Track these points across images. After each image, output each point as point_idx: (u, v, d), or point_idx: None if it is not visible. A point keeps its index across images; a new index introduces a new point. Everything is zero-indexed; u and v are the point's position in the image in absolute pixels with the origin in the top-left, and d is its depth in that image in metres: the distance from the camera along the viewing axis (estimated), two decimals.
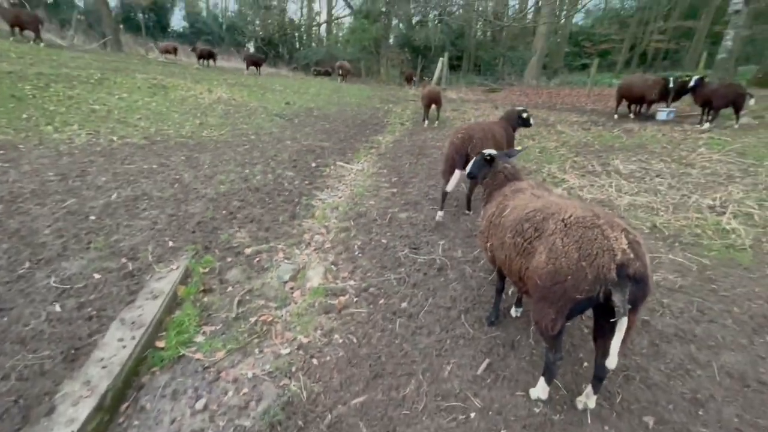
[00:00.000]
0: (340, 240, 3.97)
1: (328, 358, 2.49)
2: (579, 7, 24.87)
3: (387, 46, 29.68)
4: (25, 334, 2.32)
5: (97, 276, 2.89)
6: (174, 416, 2.07)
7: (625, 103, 10.06)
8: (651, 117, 9.69)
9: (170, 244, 3.43)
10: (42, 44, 11.41)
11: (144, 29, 33.62)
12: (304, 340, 2.64)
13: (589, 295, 1.64)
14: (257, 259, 3.52)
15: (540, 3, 20.99)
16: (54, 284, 2.74)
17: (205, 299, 2.95)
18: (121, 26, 23.82)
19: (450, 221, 4.38)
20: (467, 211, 4.58)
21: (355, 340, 2.63)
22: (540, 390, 2.04)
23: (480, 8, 26.60)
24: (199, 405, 2.13)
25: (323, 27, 40.86)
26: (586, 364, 2.35)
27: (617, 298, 1.58)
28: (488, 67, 28.53)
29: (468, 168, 2.96)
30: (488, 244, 2.39)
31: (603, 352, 1.76)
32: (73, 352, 2.24)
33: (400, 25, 31.95)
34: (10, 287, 2.67)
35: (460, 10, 26.27)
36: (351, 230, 4.16)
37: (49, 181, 4.13)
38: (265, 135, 7.35)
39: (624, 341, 1.62)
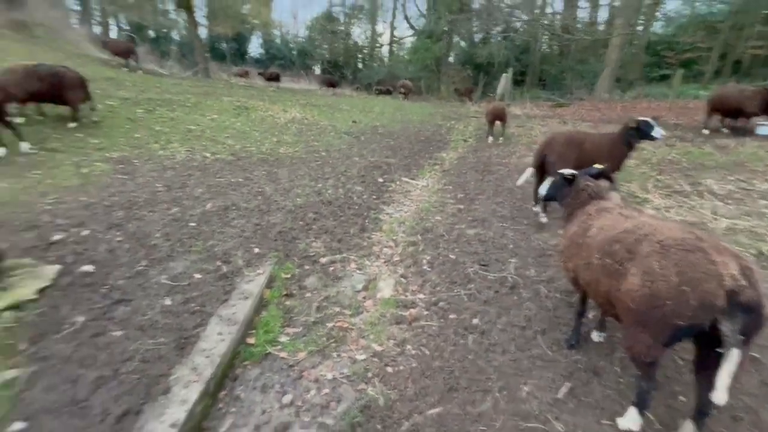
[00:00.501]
0: (408, 254, 4.07)
1: (401, 367, 2.56)
2: (658, 15, 23.20)
3: (448, 64, 29.93)
4: (144, 322, 2.69)
5: (197, 276, 3.27)
6: (264, 408, 2.27)
7: (717, 116, 9.12)
8: (749, 132, 8.67)
9: (256, 250, 3.77)
10: (139, 71, 13.34)
11: (228, 57, 37.29)
12: (378, 349, 2.74)
13: (691, 322, 1.55)
14: (332, 268, 3.74)
15: (613, 14, 19.91)
16: (164, 281, 3.15)
17: (287, 303, 3.19)
18: (208, 55, 26.79)
19: (520, 240, 4.29)
20: (535, 208, 4.48)
21: (427, 353, 2.68)
22: (630, 420, 1.93)
23: (546, 22, 25.89)
24: (286, 400, 2.32)
25: (385, 48, 42.28)
26: (682, 398, 2.17)
27: (726, 328, 1.47)
28: (554, 81, 27.49)
29: (544, 190, 2.92)
30: (570, 265, 2.34)
31: (707, 385, 1.63)
32: (182, 341, 2.56)
33: (461, 43, 32.11)
34: (131, 282, 3.11)
35: (525, 26, 25.79)
36: (419, 245, 4.24)
37: (158, 191, 4.76)
38: (334, 152, 7.78)
39: (733, 376, 1.50)
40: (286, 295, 3.28)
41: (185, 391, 2.16)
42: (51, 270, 3.06)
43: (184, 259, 3.48)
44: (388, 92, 27.03)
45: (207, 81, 14.76)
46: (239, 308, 2.91)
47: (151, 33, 34.68)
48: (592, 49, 27.89)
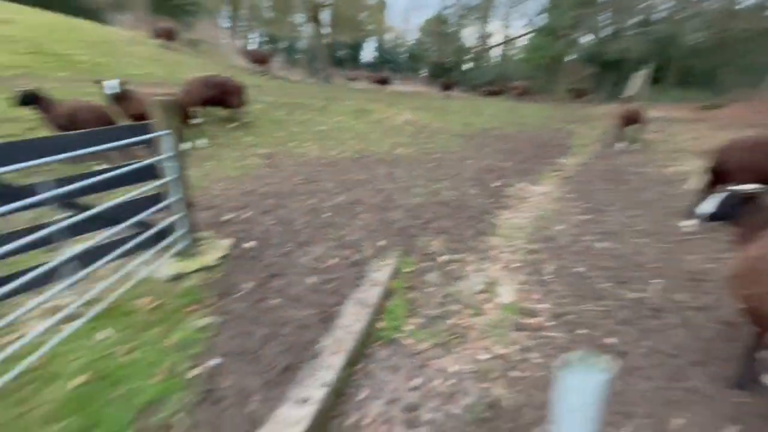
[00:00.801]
0: (528, 261, 3.96)
1: (527, 374, 2.54)
2: None
3: (565, 63, 27.54)
4: (294, 295, 3.16)
5: (332, 261, 3.69)
6: (394, 386, 2.48)
7: None
8: None
9: (381, 243, 4.08)
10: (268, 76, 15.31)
11: (345, 62, 40.22)
12: (501, 351, 2.76)
13: None
14: (450, 267, 3.84)
15: None
16: (308, 262, 3.63)
17: (410, 295, 3.40)
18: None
19: (664, 259, 3.82)
20: (685, 224, 3.91)
21: (555, 365, 2.60)
22: None
23: (697, 9, 21.96)
24: (414, 383, 2.50)
25: (496, 48, 40.77)
26: None
27: None
28: (704, 78, 23.20)
29: (710, 207, 2.56)
30: (746, 293, 2.04)
31: None
32: (324, 315, 2.94)
33: (584, 39, 29.20)
34: (282, 260, 3.66)
35: (672, 14, 22.26)
36: (540, 253, 4.09)
37: (297, 184, 5.45)
38: (448, 154, 7.88)
39: None
40: (409, 287, 3.49)
41: (331, 358, 2.49)
42: (226, 243, 3.78)
43: (322, 245, 3.95)
44: (498, 93, 26.12)
45: (329, 86, 16.22)
46: (370, 294, 3.21)
47: (282, 44, 39.15)
48: (762, 39, 22.76)
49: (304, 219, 4.46)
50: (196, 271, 3.31)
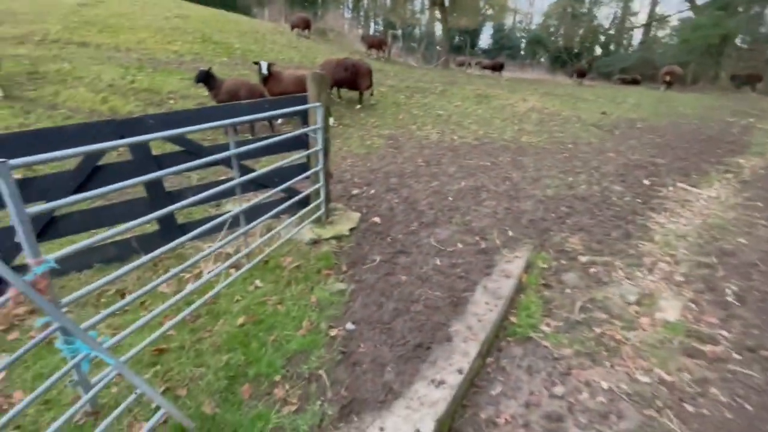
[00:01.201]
0: (698, 276, 3.25)
1: (706, 411, 2.06)
2: None
3: (733, 45, 22.26)
4: (421, 274, 3.10)
5: (459, 245, 3.53)
6: (531, 389, 2.24)
7: None
8: None
9: (510, 233, 3.78)
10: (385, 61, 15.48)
11: (463, 48, 39.20)
12: (667, 377, 2.29)
13: None
14: (592, 269, 3.36)
15: None
16: (433, 243, 3.54)
17: (546, 293, 3.06)
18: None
19: None
20: None
21: (750, 409, 2.05)
22: None
23: None
24: (557, 391, 2.21)
25: (637, 31, 35.18)
26: None
27: None
28: None
29: None
30: None
31: None
32: (454, 299, 2.81)
33: None
34: (407, 238, 3.63)
35: None
36: (716, 269, 3.32)
37: (420, 166, 5.40)
38: (583, 145, 7.01)
39: None
40: (544, 284, 3.15)
41: (465, 345, 2.35)
42: (355, 216, 3.90)
43: (446, 228, 3.81)
44: (635, 82, 22.55)
45: (448, 72, 15.88)
46: (502, 285, 2.97)
47: (400, 31, 39.66)
48: None
49: (427, 200, 4.38)
50: (331, 238, 3.48)
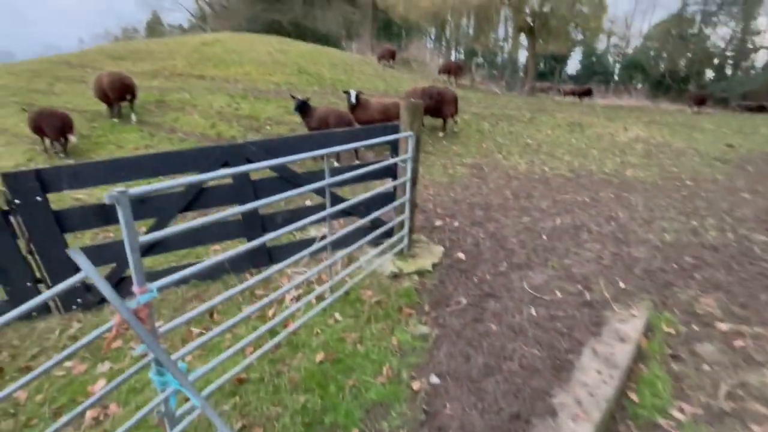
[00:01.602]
0: None
1: None
2: None
3: None
4: (514, 324, 2.73)
5: (558, 294, 3.08)
6: None
7: None
8: None
9: (621, 285, 3.22)
10: (470, 89, 15.18)
11: (546, 75, 37.66)
12: None
13: None
14: (738, 342, 2.67)
15: None
16: (527, 289, 3.14)
17: (675, 367, 2.48)
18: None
19: None
20: None
21: None
22: None
23: None
24: None
25: (763, 51, 30.59)
26: None
27: None
28: None
29: None
30: None
31: None
32: (556, 361, 2.39)
33: None
34: (496, 280, 3.29)
35: None
36: None
37: (508, 198, 5.02)
38: (705, 182, 5.99)
39: None
40: (672, 356, 2.56)
41: (574, 426, 1.94)
42: (438, 250, 3.66)
43: (541, 272, 3.39)
44: (762, 109, 19.35)
45: (535, 98, 15.18)
46: (616, 350, 2.48)
47: (481, 58, 39.42)
48: None
49: (518, 238, 3.98)
50: (413, 273, 3.28)
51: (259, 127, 7.80)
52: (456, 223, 4.30)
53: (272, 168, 3.09)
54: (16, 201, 2.55)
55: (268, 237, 1.94)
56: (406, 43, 34.13)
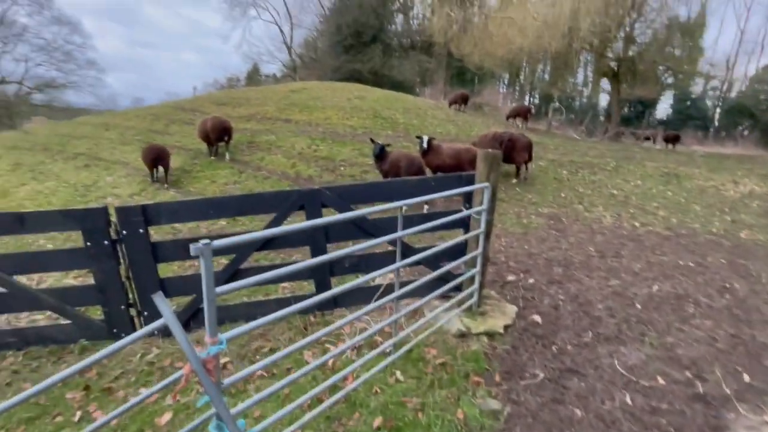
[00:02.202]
0: None
1: None
2: None
3: None
4: (604, 413, 2.31)
5: (660, 380, 2.59)
6: None
7: None
8: None
9: (745, 378, 2.62)
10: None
11: (630, 120, 35.29)
12: None
13: None
14: None
15: None
16: (619, 368, 2.69)
17: None
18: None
19: None
20: None
21: None
22: None
23: None
24: None
25: None
26: None
27: None
28: None
29: None
30: None
31: None
32: None
33: None
34: (579, 352, 2.88)
35: None
36: None
37: (591, 255, 4.53)
38: None
39: None
40: None
41: None
42: (510, 310, 3.35)
43: (637, 350, 2.90)
44: None
45: (619, 144, 14.13)
46: None
47: (557, 102, 38.23)
48: None
49: (605, 304, 3.51)
50: (482, 333, 3.01)
51: (335, 168, 8.21)
52: (531, 280, 3.95)
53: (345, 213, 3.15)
54: (124, 231, 2.86)
55: (338, 290, 1.91)
56: (479, 88, 34.60)
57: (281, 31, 37.08)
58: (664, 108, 40.36)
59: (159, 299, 1.28)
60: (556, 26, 13.67)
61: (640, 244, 4.94)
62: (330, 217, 1.87)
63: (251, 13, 35.89)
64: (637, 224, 5.67)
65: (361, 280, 2.08)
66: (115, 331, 3.03)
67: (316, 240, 3.09)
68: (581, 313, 3.36)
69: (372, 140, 6.89)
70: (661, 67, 22.62)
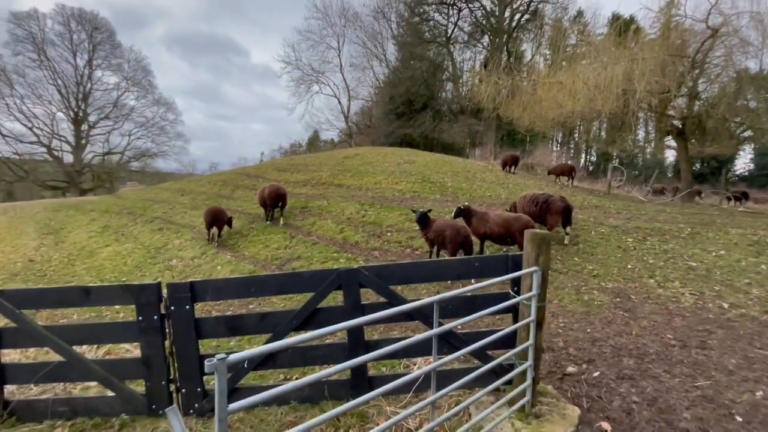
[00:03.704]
0: None
1: None
2: None
3: None
4: None
5: None
6: None
7: None
8: None
9: None
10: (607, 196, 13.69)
11: (704, 177, 32.55)
12: None
13: None
14: None
15: None
16: None
17: None
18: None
19: None
20: None
21: None
22: None
23: None
24: None
25: None
26: None
27: None
28: None
29: None
30: None
31: None
32: None
33: None
34: None
35: None
36: None
37: (670, 345, 3.90)
38: None
39: None
40: None
41: None
42: (573, 413, 2.88)
43: None
44: None
45: (694, 207, 12.85)
46: None
47: (616, 160, 36.54)
48: None
49: (692, 412, 2.91)
50: None
51: (381, 233, 8.26)
52: (596, 373, 3.44)
53: (382, 294, 3.05)
54: (172, 307, 2.98)
55: (365, 358, 1.75)
56: (531, 148, 34.36)
57: (339, 102, 40.60)
58: (744, 163, 36.86)
59: (172, 413, 1.24)
60: (608, 89, 13.44)
61: (732, 331, 4.19)
62: (366, 317, 1.80)
63: (314, 88, 40.00)
64: (725, 305, 4.87)
65: (397, 381, 1.90)
66: (153, 407, 3.04)
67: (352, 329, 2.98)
68: (663, 424, 2.80)
69: (413, 210, 6.94)
70: (735, 121, 20.99)
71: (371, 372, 3.32)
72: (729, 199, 16.24)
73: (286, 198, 9.75)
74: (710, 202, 17.21)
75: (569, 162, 18.82)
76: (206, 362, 1.16)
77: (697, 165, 33.76)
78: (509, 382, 2.84)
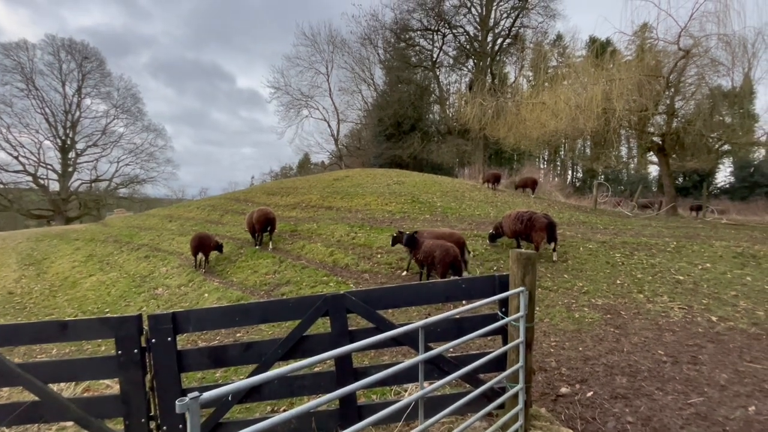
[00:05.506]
0: None
1: None
2: None
3: None
4: None
5: None
6: None
7: None
8: None
9: None
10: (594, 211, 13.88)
11: (688, 190, 33.36)
12: None
13: None
14: None
15: None
16: None
17: None
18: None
19: None
20: None
21: None
22: None
23: None
24: None
25: None
26: None
27: None
28: None
29: None
30: None
31: None
32: None
33: None
34: None
35: None
36: None
37: (662, 361, 3.88)
38: None
39: None
40: None
41: None
42: None
43: None
44: None
45: (678, 221, 13.09)
46: None
47: (602, 177, 37.28)
48: None
49: (686, 430, 2.87)
50: None
51: (371, 255, 8.22)
52: (590, 393, 3.39)
53: (370, 320, 3.00)
54: (153, 340, 2.89)
55: (355, 386, 1.69)
56: (518, 167, 34.99)
57: (329, 125, 41.08)
58: (724, 176, 37.90)
59: None
60: (589, 108, 13.87)
61: (722, 345, 4.20)
62: (353, 345, 1.77)
63: (304, 113, 40.51)
64: (714, 318, 4.90)
65: (388, 411, 1.85)
66: None
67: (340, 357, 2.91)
68: None
69: (399, 232, 6.98)
70: (712, 136, 21.70)
71: (361, 400, 3.23)
72: (713, 211, 16.62)
73: (275, 222, 9.69)
74: (685, 215, 17.59)
75: (533, 176, 19.45)
76: (177, 402, 1.12)
77: (680, 179, 34.61)
78: (501, 406, 2.78)
